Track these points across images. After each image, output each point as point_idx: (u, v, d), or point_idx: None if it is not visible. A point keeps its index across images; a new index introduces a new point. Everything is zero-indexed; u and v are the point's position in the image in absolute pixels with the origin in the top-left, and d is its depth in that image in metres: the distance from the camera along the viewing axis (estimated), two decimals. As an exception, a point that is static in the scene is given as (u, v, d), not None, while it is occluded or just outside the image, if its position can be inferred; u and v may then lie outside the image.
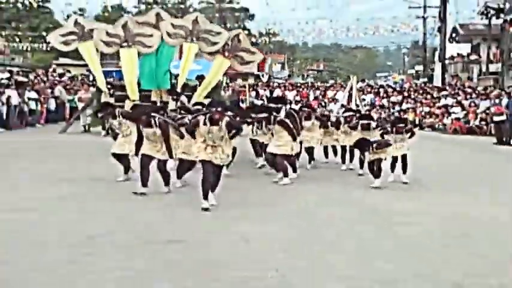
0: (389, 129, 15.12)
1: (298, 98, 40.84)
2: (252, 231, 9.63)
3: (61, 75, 43.74)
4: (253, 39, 57.45)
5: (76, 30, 21.15)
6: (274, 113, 15.05)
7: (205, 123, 11.19)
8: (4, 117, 28.49)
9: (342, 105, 27.46)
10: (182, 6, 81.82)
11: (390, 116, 34.04)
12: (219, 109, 11.36)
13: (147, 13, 25.00)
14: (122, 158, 14.51)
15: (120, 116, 14.29)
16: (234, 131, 11.45)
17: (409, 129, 15.39)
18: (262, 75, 54.87)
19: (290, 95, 42.00)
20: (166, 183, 13.09)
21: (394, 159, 15.01)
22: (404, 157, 14.92)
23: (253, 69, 53.79)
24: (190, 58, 21.75)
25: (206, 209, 11.02)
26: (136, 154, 13.39)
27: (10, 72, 37.97)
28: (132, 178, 14.08)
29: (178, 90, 22.05)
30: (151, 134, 12.65)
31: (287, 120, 14.70)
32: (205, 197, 11.14)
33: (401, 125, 15.13)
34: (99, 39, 21.14)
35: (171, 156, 12.86)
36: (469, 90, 38.73)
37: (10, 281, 7.36)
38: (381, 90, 44.39)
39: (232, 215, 10.89)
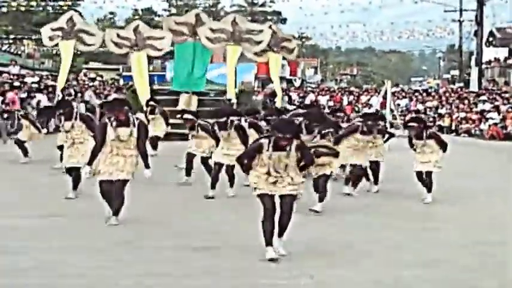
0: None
1: (331, 103, 40.84)
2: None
3: (93, 80, 44.12)
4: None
5: (65, 26, 21.29)
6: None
7: (268, 149, 8.64)
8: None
9: (376, 110, 27.49)
10: (213, 9, 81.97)
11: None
12: (288, 136, 8.51)
13: (187, 14, 25.04)
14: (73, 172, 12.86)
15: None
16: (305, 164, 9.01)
17: (381, 130, 14.34)
18: (295, 80, 54.94)
19: (323, 99, 42.02)
20: (231, 184, 13.39)
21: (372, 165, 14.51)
22: (428, 174, 13.39)
23: (286, 73, 53.81)
24: (235, 61, 21.69)
25: (272, 260, 8.45)
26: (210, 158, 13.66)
27: (40, 76, 38.36)
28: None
29: (231, 96, 22.17)
30: (227, 136, 12.83)
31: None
32: (269, 243, 8.59)
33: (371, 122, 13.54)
34: (110, 39, 21.25)
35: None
36: (507, 95, 38.46)
37: (41, 286, 7.45)
38: (416, 94, 44.23)
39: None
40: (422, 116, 29.15)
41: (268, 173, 8.63)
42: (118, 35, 21.35)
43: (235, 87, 24.56)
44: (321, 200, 11.89)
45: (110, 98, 21.31)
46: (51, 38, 21.45)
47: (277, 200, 8.72)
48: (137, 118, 10.60)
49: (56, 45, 22.32)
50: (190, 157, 14.62)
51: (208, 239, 9.72)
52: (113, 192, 10.36)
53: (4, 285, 7.36)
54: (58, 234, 9.84)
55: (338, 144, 12.82)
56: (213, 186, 12.98)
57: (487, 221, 11.53)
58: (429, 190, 13.38)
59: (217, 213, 11.58)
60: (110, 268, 8.13)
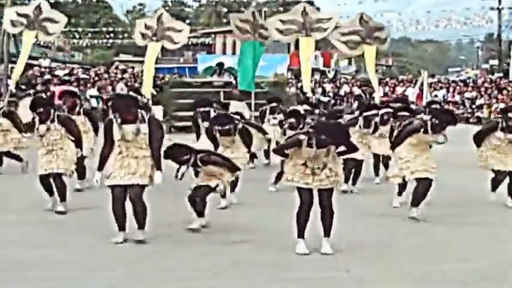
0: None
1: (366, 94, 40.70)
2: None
3: (123, 72, 44.28)
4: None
5: (31, 15, 20.14)
6: None
7: (309, 145, 8.43)
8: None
9: (412, 102, 27.34)
10: (245, 0, 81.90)
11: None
12: (329, 141, 8.31)
13: (246, 11, 24.78)
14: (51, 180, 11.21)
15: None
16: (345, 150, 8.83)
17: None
18: (328, 71, 54.71)
19: (357, 91, 41.87)
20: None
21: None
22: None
23: (319, 64, 53.65)
24: (308, 52, 21.42)
25: (302, 255, 8.48)
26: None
27: (70, 69, 38.65)
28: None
29: (307, 89, 21.98)
30: (231, 142, 11.62)
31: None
32: (300, 236, 8.64)
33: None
34: (138, 31, 21.02)
35: None
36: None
37: (69, 279, 7.54)
38: (454, 85, 43.90)
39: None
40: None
41: (305, 164, 8.48)
42: (145, 25, 21.02)
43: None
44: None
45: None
46: (13, 24, 20.29)
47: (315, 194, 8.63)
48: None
49: (20, 33, 21.08)
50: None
51: (245, 233, 9.77)
52: (122, 202, 9.04)
53: (35, 277, 7.49)
54: (88, 229, 9.93)
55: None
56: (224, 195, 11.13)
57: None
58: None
59: (256, 208, 11.51)
60: (142, 261, 8.23)
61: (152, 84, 21.79)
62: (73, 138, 11.10)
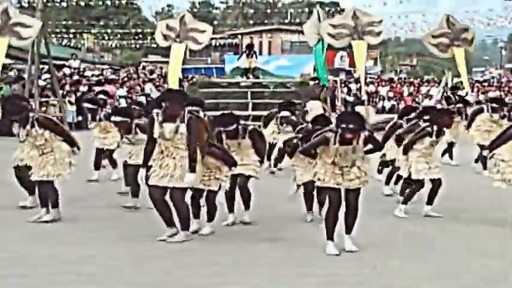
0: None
1: (391, 94, 40.71)
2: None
3: (151, 72, 44.51)
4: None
5: None
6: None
7: (335, 142, 8.36)
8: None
9: (437, 101, 27.22)
10: (271, 1, 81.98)
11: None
12: (351, 126, 8.22)
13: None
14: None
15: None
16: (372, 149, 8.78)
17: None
18: (354, 71, 54.61)
19: (383, 90, 41.81)
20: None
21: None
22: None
23: (345, 64, 53.58)
24: (362, 56, 21.25)
25: (332, 255, 8.37)
26: None
27: (100, 70, 38.91)
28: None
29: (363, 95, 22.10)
30: (237, 146, 10.19)
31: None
32: (330, 237, 8.54)
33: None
34: (160, 31, 20.90)
35: None
36: None
37: (96, 275, 7.56)
38: (477, 85, 43.74)
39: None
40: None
41: (334, 163, 8.40)
42: (167, 26, 20.89)
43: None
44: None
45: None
46: None
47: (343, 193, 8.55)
48: (190, 112, 8.98)
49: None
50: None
51: (274, 231, 9.78)
52: (163, 202, 8.90)
53: (65, 272, 7.54)
54: (118, 226, 10.00)
55: None
56: (230, 209, 10.29)
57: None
58: None
59: (283, 207, 11.32)
60: (170, 258, 8.26)
61: (178, 84, 21.75)
62: (62, 138, 10.24)
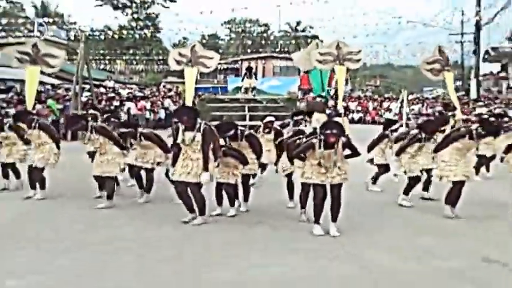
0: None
1: (359, 108, 40.83)
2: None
3: (169, 90, 44.61)
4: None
5: (31, 52, 18.70)
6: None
7: (320, 146, 8.50)
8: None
9: (395, 114, 27.26)
10: (265, 34, 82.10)
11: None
12: (334, 131, 8.40)
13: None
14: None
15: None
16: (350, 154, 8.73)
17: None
18: (330, 90, 54.71)
19: (352, 105, 41.83)
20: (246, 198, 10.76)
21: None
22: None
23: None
24: (342, 78, 21.43)
25: (319, 235, 8.52)
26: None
27: (130, 88, 38.95)
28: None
29: (340, 107, 22.33)
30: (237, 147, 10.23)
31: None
32: (317, 221, 8.70)
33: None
34: (173, 57, 20.76)
35: None
36: (499, 101, 38.01)
37: (132, 249, 7.60)
38: (427, 101, 43.91)
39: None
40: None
41: (319, 164, 8.48)
42: (179, 53, 20.83)
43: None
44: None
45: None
46: (20, 61, 19.60)
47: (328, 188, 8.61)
48: (205, 123, 9.10)
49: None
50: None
51: (268, 217, 9.79)
52: (185, 194, 9.06)
53: (106, 251, 7.63)
54: (155, 215, 9.98)
55: None
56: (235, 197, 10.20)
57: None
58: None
59: (277, 195, 11.12)
60: (189, 237, 8.33)
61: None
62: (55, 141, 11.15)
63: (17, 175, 12.26)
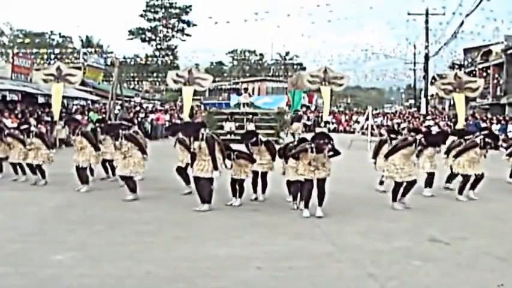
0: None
1: (334, 120, 40.93)
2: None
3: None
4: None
5: (55, 73, 19.86)
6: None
7: (312, 151, 8.66)
8: (149, 131, 28.58)
9: (362, 127, 27.26)
10: (260, 62, 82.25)
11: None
12: (326, 140, 8.64)
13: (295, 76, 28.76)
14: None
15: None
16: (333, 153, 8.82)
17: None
18: (310, 105, 54.75)
19: (328, 118, 41.75)
20: (264, 190, 10.51)
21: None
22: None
23: (305, 101, 53.67)
24: (327, 96, 21.36)
25: (307, 217, 8.63)
26: None
27: (153, 103, 38.89)
28: None
29: (327, 119, 23.20)
30: (257, 151, 10.14)
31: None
32: (306, 206, 8.81)
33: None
34: (171, 78, 20.50)
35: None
36: (443, 115, 38.23)
37: (153, 231, 7.53)
38: (387, 115, 44.00)
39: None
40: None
41: (310, 164, 8.66)
42: (177, 74, 20.64)
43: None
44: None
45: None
46: (45, 81, 20.09)
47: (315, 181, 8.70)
48: (208, 133, 9.10)
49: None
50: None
51: (263, 206, 9.74)
52: (200, 185, 9.08)
53: (140, 230, 7.51)
54: (171, 209, 9.85)
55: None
56: (254, 191, 10.22)
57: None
58: None
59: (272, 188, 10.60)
60: (196, 221, 8.21)
61: (190, 112, 21.41)
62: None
63: (42, 174, 11.80)
